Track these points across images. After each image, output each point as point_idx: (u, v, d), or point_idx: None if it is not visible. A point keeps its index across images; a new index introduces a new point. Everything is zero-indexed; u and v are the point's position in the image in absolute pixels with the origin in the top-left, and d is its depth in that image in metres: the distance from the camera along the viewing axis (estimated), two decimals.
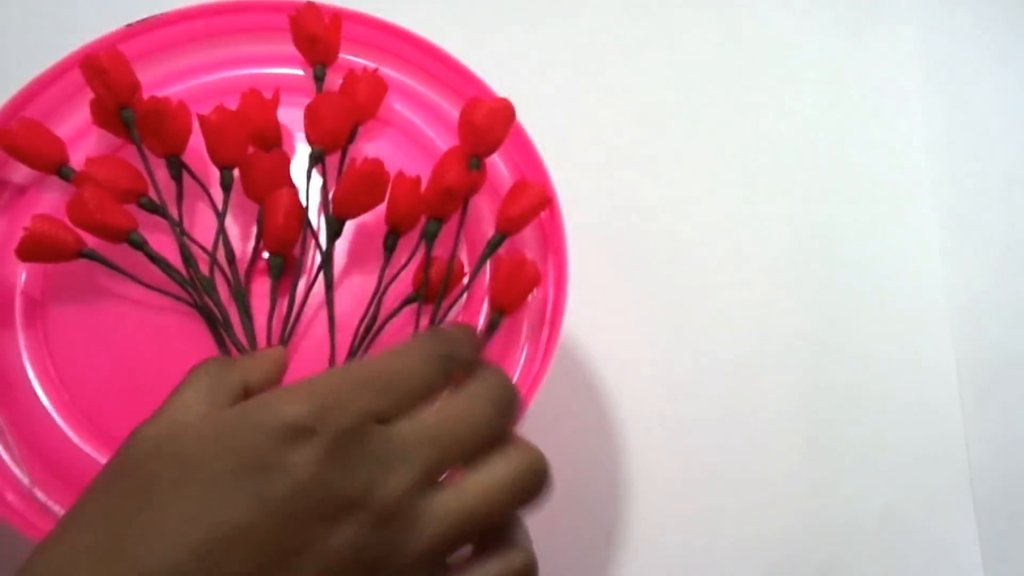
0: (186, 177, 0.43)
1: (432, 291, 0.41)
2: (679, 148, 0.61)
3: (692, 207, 0.58)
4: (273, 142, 0.43)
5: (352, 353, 0.41)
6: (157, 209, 0.41)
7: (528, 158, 0.45)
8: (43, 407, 0.40)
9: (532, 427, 0.32)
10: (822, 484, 0.51)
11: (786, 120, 0.65)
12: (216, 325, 0.40)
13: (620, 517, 0.50)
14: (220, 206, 0.42)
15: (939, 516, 0.51)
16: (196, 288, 0.41)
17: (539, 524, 0.31)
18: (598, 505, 0.50)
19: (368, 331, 0.41)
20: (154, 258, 0.40)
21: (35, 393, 0.40)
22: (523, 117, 0.44)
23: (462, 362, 0.30)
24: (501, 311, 0.42)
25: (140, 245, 0.40)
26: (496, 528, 0.29)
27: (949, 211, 0.61)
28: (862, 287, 0.57)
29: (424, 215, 0.42)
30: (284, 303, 0.41)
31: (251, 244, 0.42)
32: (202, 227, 0.43)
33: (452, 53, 0.47)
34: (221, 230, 0.42)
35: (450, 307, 0.43)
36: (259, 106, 0.43)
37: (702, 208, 0.58)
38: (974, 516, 0.51)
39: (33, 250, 0.39)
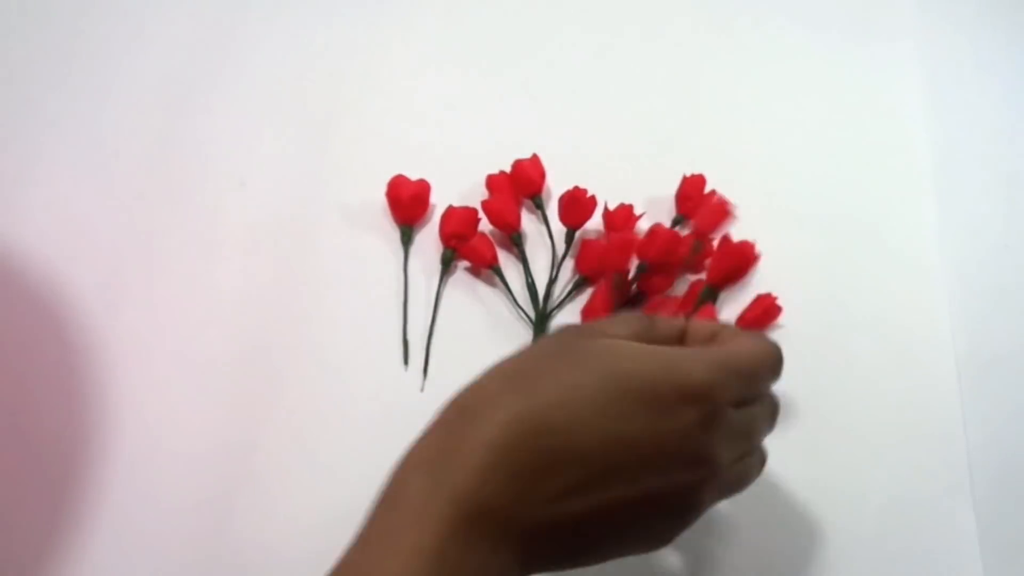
0: None
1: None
2: (682, 150, 0.63)
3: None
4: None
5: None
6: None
7: None
8: None
9: None
10: (821, 483, 0.52)
11: (785, 120, 0.66)
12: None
13: None
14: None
15: (938, 515, 0.51)
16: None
17: None
18: None
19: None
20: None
21: None
22: None
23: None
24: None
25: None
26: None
27: (949, 211, 0.62)
28: (862, 284, 0.58)
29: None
30: None
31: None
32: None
33: None
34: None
35: None
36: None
37: None
38: (973, 515, 0.51)
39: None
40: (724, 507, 0.50)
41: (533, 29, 0.70)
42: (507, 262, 0.59)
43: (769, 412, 0.42)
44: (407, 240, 0.59)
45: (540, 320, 0.56)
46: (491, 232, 0.59)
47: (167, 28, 0.69)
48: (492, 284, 0.58)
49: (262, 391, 0.55)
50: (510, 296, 0.58)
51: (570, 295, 0.58)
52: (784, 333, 0.56)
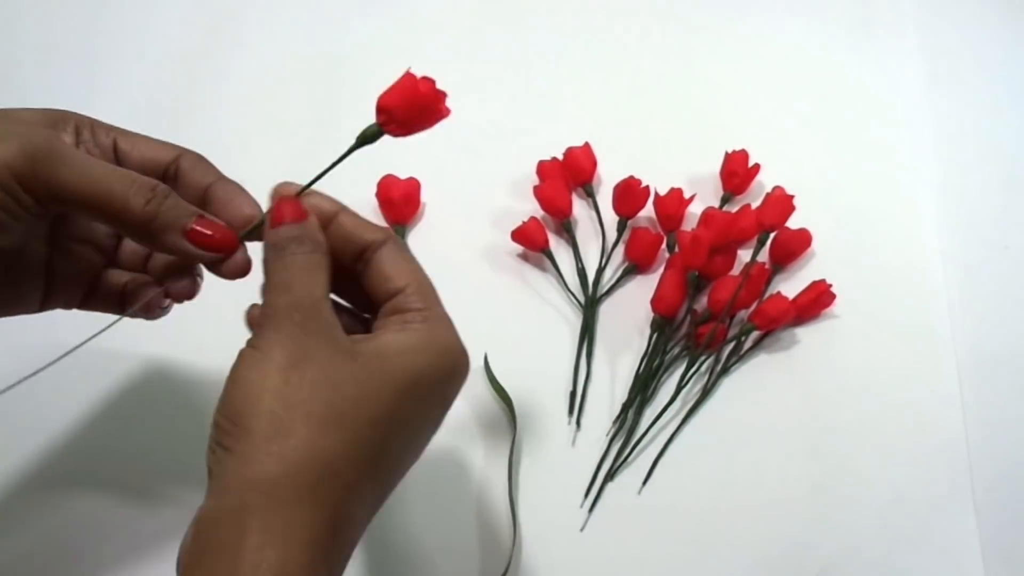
0: None
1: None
2: (676, 146, 0.64)
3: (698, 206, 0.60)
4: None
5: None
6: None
7: None
8: None
9: None
10: (823, 484, 0.52)
11: (788, 119, 0.66)
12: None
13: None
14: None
15: (939, 516, 0.51)
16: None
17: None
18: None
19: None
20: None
21: None
22: None
23: None
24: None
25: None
26: None
27: (949, 210, 0.62)
28: (862, 285, 0.58)
29: None
30: None
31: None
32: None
33: None
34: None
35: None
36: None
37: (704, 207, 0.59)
38: (974, 516, 0.51)
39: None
40: (726, 510, 0.51)
41: (528, 18, 0.71)
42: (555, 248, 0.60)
43: None
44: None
45: (590, 304, 0.57)
46: (542, 217, 0.60)
47: (164, 28, 0.69)
48: (542, 268, 0.59)
49: None
50: (561, 280, 0.58)
51: (619, 281, 0.58)
52: (784, 334, 0.57)
